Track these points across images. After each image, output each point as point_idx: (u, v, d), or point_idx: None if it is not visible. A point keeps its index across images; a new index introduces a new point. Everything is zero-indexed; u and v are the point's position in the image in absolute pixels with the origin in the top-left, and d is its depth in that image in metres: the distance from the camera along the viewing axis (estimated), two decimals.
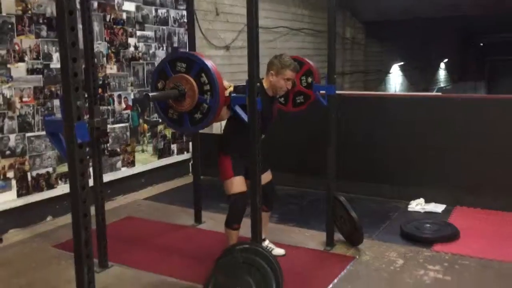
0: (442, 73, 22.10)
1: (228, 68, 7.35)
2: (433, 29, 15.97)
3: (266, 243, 3.93)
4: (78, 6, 3.93)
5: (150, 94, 2.70)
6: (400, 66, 15.93)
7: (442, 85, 21.34)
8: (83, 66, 3.55)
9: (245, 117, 2.95)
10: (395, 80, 15.67)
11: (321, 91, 3.94)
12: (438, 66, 21.35)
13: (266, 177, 3.73)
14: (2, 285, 3.47)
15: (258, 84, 3.37)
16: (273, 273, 2.83)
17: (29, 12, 4.47)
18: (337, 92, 5.16)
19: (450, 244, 4.06)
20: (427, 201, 5.11)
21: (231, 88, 3.14)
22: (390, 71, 15.23)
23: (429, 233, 4.21)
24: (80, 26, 3.98)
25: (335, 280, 3.47)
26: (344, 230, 4.12)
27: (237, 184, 3.47)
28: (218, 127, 6.80)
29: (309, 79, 4.01)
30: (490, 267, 3.65)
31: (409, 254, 3.90)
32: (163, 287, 3.43)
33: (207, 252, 3.81)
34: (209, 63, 2.79)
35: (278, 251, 3.92)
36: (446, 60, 21.69)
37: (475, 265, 3.69)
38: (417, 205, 5.04)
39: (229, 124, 3.51)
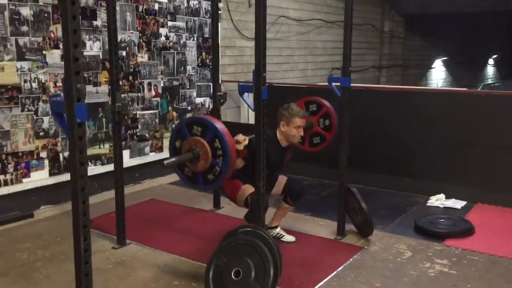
0: (490, 69, 21.37)
1: None
2: (480, 23, 15.50)
3: (278, 230, 4.05)
4: None
5: (165, 161, 2.90)
6: (444, 61, 15.55)
7: (489, 81, 20.65)
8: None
9: (251, 105, 3.07)
10: (438, 75, 15.33)
11: (336, 83, 4.00)
12: (486, 62, 20.66)
13: (281, 182, 3.87)
14: (28, 255, 3.75)
15: (270, 135, 3.57)
16: (271, 256, 2.94)
17: None
18: (360, 85, 5.19)
19: (462, 240, 4.05)
20: (448, 197, 5.08)
21: (246, 142, 3.33)
22: (433, 66, 14.90)
23: (442, 228, 4.21)
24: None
25: (340, 268, 3.55)
26: (356, 221, 4.18)
27: (249, 188, 3.56)
28: (245, 117, 6.96)
29: (327, 122, 4.15)
30: (498, 264, 3.63)
31: (419, 247, 3.93)
32: (174, 265, 3.61)
33: (220, 235, 3.94)
34: (222, 129, 2.96)
35: (288, 238, 4.04)
36: (495, 56, 20.97)
37: (484, 260, 3.68)
38: (437, 200, 5.02)
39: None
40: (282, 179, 3.89)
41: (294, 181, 3.93)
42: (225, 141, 2.93)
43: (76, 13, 1.92)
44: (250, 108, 3.09)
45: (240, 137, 3.33)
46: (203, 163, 2.99)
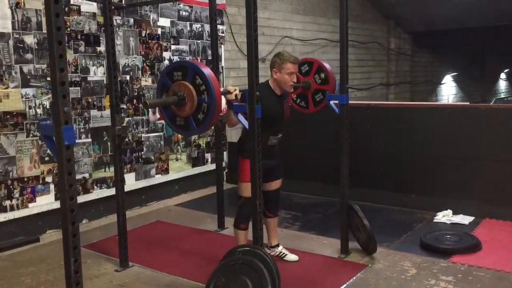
0: (502, 84, 21.19)
1: (264, 79, 7.51)
2: (490, 38, 15.43)
3: (280, 248, 4.02)
4: (116, 21, 4.23)
5: (148, 101, 2.88)
6: (454, 77, 15.47)
7: (502, 96, 20.46)
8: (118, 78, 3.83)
9: (246, 124, 3.09)
10: (448, 91, 15.24)
11: (334, 101, 4.01)
12: (498, 76, 20.50)
13: (277, 184, 3.85)
14: (31, 279, 3.77)
15: (263, 83, 3.55)
16: (269, 275, 2.92)
17: (68, 29, 4.85)
18: (362, 102, 5.17)
19: (469, 256, 3.98)
20: (456, 213, 5.01)
21: (237, 91, 3.26)
22: (442, 82, 14.83)
23: (448, 244, 4.15)
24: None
25: (342, 287, 3.51)
26: (360, 238, 4.14)
27: (247, 187, 3.56)
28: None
29: (322, 75, 4.16)
30: (505, 280, 3.55)
31: (424, 264, 3.86)
32: (175, 287, 3.60)
33: (223, 255, 3.94)
34: (200, 65, 2.94)
35: (291, 257, 4.01)
36: (507, 70, 20.81)
37: (490, 276, 3.60)
38: (444, 216, 4.94)
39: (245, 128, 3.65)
40: (278, 183, 3.86)
41: (278, 191, 3.90)
42: (204, 74, 2.85)
43: (62, 38, 1.97)
44: (245, 127, 3.10)
45: (230, 87, 3.26)
46: (190, 104, 2.91)
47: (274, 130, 3.64)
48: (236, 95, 3.25)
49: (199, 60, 6.28)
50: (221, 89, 3.10)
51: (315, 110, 4.27)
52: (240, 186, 3.67)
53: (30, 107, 4.57)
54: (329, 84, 4.14)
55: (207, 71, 2.89)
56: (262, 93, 3.27)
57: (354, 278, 3.65)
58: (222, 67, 6.56)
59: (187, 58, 6.03)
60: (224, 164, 6.25)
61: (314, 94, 4.22)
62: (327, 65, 4.15)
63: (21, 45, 4.47)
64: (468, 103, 6.42)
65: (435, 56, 13.71)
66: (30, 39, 4.52)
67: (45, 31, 4.61)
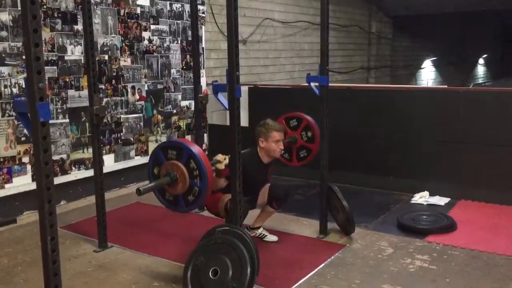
0: (480, 69, 21.49)
1: (245, 61, 7.49)
2: (469, 23, 15.58)
3: (260, 230, 4.05)
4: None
5: (141, 188, 2.91)
6: (433, 61, 15.63)
7: (480, 81, 20.76)
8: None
9: (226, 104, 3.08)
10: (428, 76, 15.40)
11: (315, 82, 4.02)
12: (476, 61, 20.77)
13: (264, 191, 3.88)
14: (8, 260, 3.73)
15: (251, 152, 3.69)
16: (248, 254, 2.94)
17: (45, 6, 4.73)
18: (341, 84, 5.18)
19: (444, 236, 4.06)
20: (433, 194, 5.10)
21: (227, 160, 3.30)
22: (422, 66, 14.97)
23: (424, 224, 4.23)
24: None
25: (320, 266, 3.56)
26: (338, 219, 4.19)
27: (228, 196, 3.46)
28: None
29: (309, 133, 4.23)
30: (478, 258, 3.64)
31: (400, 244, 3.94)
32: (155, 267, 3.61)
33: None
34: (196, 150, 3.01)
35: (271, 237, 4.04)
36: (485, 55, 21.09)
37: (464, 255, 3.69)
38: (421, 197, 5.03)
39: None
40: (265, 188, 3.89)
41: (278, 186, 3.94)
42: (199, 161, 2.97)
43: (36, 12, 1.93)
44: (225, 107, 3.09)
45: (219, 156, 3.31)
46: (182, 186, 3.02)
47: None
48: (225, 165, 3.30)
49: (179, 42, 6.20)
50: (211, 161, 3.19)
51: (298, 165, 4.35)
52: (220, 206, 3.64)
53: (5, 86, 4.46)
54: (314, 143, 4.20)
55: (202, 157, 2.97)
56: (249, 164, 3.35)
57: (332, 257, 3.70)
58: (203, 48, 6.50)
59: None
60: (204, 147, 6.24)
61: (299, 150, 4.30)
62: (314, 123, 4.18)
63: None
64: (446, 86, 6.49)
65: (415, 40, 13.81)
66: (5, 16, 4.40)
67: (20, 9, 4.51)
